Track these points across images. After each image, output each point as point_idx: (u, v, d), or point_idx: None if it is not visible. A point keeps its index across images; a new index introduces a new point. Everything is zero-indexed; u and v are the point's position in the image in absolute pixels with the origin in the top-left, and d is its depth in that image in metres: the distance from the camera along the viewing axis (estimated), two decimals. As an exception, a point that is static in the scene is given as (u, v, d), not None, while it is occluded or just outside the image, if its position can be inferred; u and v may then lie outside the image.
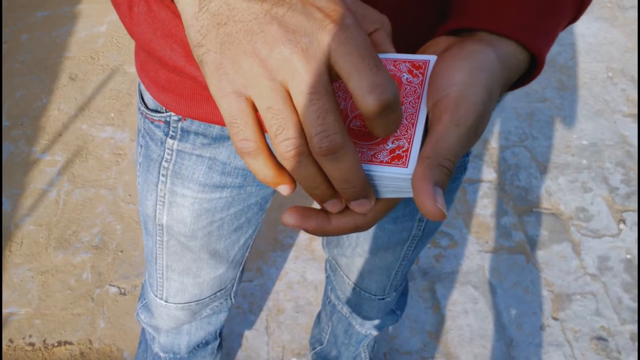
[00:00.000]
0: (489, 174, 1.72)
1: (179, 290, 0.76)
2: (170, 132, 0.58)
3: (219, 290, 0.79)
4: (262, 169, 0.30)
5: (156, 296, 0.79)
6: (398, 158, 0.30)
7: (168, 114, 0.57)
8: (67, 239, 1.50)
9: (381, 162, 0.31)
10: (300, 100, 0.27)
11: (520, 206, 1.64)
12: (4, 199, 1.56)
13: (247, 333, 1.38)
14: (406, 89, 0.33)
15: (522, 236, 1.57)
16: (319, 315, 1.25)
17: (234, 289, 0.83)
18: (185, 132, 0.57)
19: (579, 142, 1.83)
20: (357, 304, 0.92)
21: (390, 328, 1.39)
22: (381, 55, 0.34)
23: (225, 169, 0.60)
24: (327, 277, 0.98)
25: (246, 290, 1.45)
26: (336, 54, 0.27)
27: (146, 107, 0.59)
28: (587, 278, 1.49)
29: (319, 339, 1.24)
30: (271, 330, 1.38)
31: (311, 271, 1.49)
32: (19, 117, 1.77)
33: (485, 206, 1.64)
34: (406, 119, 0.32)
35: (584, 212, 1.64)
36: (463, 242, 1.55)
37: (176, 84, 0.53)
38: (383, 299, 0.88)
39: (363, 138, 0.32)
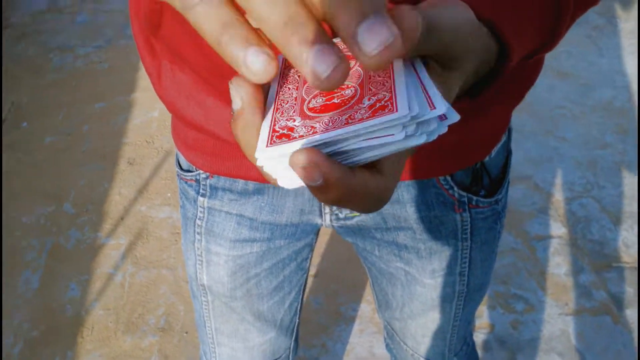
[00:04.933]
0: (557, 229, 1.64)
1: (230, 356, 0.75)
2: (201, 190, 0.61)
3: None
4: (223, 15, 0.23)
5: None
6: (382, 108, 0.25)
7: (197, 172, 0.60)
8: (134, 322, 1.51)
9: (360, 119, 0.25)
10: None
11: (598, 262, 1.55)
12: (73, 285, 1.59)
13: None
14: None
15: (604, 295, 1.47)
16: None
17: (290, 359, 0.81)
18: (213, 189, 0.60)
19: (649, 187, 1.74)
20: None
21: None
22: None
23: (252, 224, 0.62)
24: (387, 346, 0.94)
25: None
26: None
27: (180, 168, 0.64)
28: (683, 336, 1.37)
29: None
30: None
31: (378, 345, 1.43)
32: (83, 205, 1.83)
33: (558, 264, 1.55)
34: (379, 75, 0.27)
35: (668, 262, 1.53)
36: (540, 306, 1.46)
37: (201, 142, 0.57)
38: None
39: (329, 109, 0.27)
